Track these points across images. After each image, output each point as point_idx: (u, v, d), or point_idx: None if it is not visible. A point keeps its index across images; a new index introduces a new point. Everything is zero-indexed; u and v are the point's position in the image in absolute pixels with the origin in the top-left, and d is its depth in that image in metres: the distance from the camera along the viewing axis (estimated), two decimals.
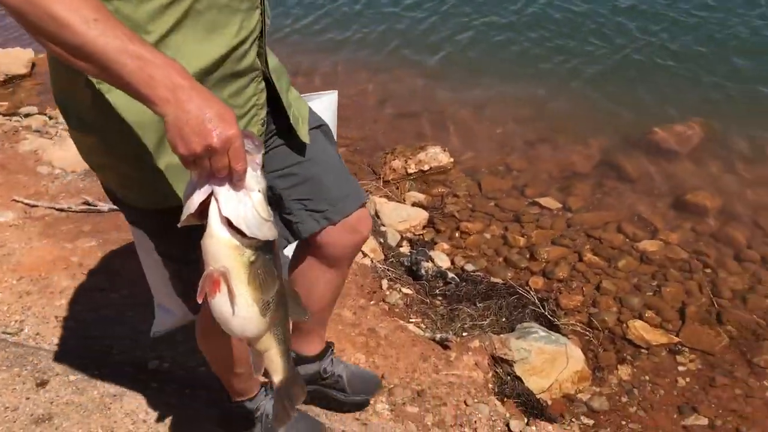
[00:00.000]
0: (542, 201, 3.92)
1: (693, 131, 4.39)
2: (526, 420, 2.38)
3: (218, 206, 1.02)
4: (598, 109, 4.79)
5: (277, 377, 1.27)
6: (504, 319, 2.90)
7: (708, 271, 3.34)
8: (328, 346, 2.01)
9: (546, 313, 2.98)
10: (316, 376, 2.00)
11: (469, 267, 3.37)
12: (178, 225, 1.07)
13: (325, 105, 1.99)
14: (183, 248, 1.37)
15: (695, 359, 2.84)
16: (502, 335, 2.72)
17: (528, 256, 3.48)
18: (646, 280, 3.30)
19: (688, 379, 2.75)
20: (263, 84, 1.40)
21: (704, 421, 2.56)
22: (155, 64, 0.99)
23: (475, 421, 2.22)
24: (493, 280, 3.23)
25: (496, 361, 2.60)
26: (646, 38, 5.65)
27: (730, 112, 4.60)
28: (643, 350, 2.89)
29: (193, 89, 0.99)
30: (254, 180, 1.04)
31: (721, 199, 3.83)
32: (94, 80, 1.17)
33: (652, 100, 4.84)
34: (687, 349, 2.89)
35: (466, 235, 3.65)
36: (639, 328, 2.96)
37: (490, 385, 2.50)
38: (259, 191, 1.05)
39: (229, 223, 1.02)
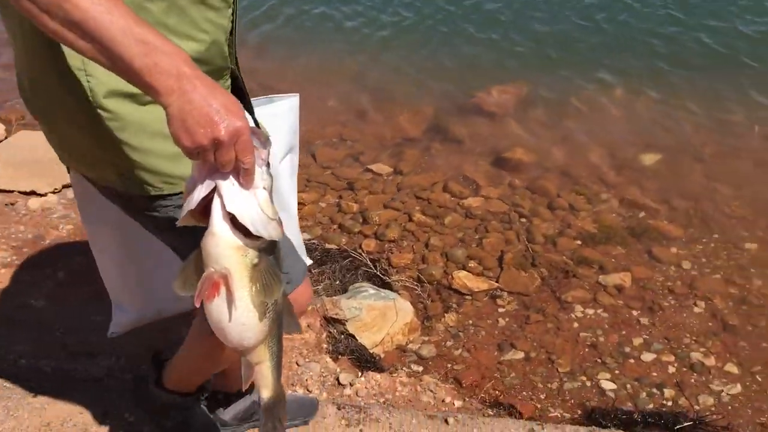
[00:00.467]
0: (374, 167, 4.08)
1: (509, 94, 4.73)
2: (359, 373, 2.52)
3: (222, 202, 0.95)
4: (420, 77, 5.03)
5: (266, 393, 1.20)
6: (338, 282, 3.03)
7: (524, 220, 3.64)
8: None
9: (378, 273, 3.14)
10: (250, 412, 1.93)
11: (305, 236, 3.46)
12: (177, 224, 1.01)
13: (287, 107, 1.96)
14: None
15: (512, 301, 3.11)
16: (334, 297, 2.84)
17: (361, 220, 3.62)
18: (470, 234, 3.54)
19: (506, 319, 3.01)
20: (230, 81, 1.37)
21: (521, 355, 2.82)
22: (162, 51, 0.93)
23: (307, 379, 2.33)
24: (328, 246, 3.34)
25: (329, 321, 2.71)
26: (451, 8, 6.01)
27: (537, 74, 5.01)
28: (467, 297, 3.12)
29: (197, 78, 0.94)
30: (260, 176, 0.98)
31: (535, 154, 4.17)
32: (78, 63, 1.12)
33: (469, 65, 5.18)
34: (506, 293, 3.15)
35: (301, 205, 3.73)
36: (463, 278, 3.19)
37: (324, 345, 2.61)
38: (264, 188, 0.99)
39: (233, 221, 0.96)
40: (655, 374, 2.73)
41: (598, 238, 3.49)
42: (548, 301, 3.11)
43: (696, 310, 3.05)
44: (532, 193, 3.87)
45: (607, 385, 2.67)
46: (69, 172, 1.71)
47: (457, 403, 2.40)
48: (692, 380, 2.70)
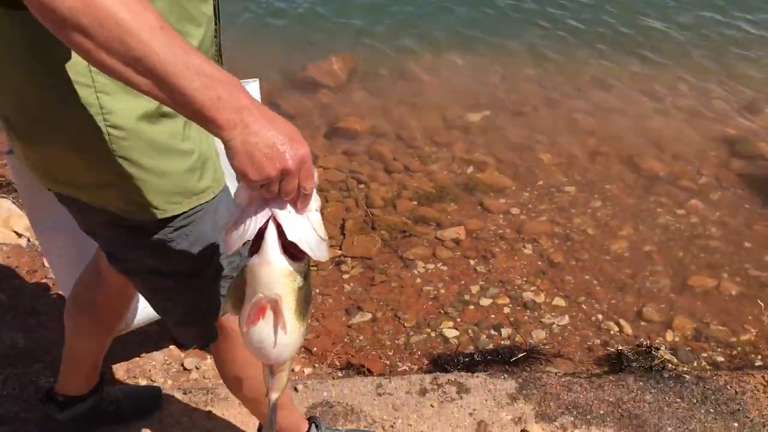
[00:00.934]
0: None
1: (337, 66, 4.79)
2: (207, 356, 2.49)
3: (280, 231, 0.96)
4: (245, 52, 4.95)
5: (276, 395, 1.25)
6: None
7: (362, 186, 3.71)
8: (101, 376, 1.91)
9: None
10: (100, 409, 1.89)
11: None
12: (228, 253, 1.02)
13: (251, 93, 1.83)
14: (192, 262, 1.27)
15: (356, 265, 3.18)
16: None
17: None
18: None
19: (352, 284, 3.08)
20: None
21: (368, 316, 2.90)
22: (221, 83, 0.88)
23: (149, 369, 2.26)
24: None
25: None
26: None
27: (358, 46, 5.14)
28: (312, 268, 3.14)
29: (257, 109, 0.91)
30: (314, 199, 1.00)
31: (368, 122, 4.26)
32: (86, 80, 1.04)
33: (292, 40, 5.20)
34: (349, 258, 3.21)
35: None
36: None
37: (169, 334, 2.54)
38: (316, 210, 1.02)
39: (284, 249, 0.98)
40: (492, 317, 2.91)
41: (433, 197, 3.64)
42: (391, 262, 3.21)
43: (525, 252, 3.27)
44: (370, 158, 3.95)
45: (450, 333, 2.81)
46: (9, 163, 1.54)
47: (307, 371, 2.44)
48: (525, 317, 2.91)
